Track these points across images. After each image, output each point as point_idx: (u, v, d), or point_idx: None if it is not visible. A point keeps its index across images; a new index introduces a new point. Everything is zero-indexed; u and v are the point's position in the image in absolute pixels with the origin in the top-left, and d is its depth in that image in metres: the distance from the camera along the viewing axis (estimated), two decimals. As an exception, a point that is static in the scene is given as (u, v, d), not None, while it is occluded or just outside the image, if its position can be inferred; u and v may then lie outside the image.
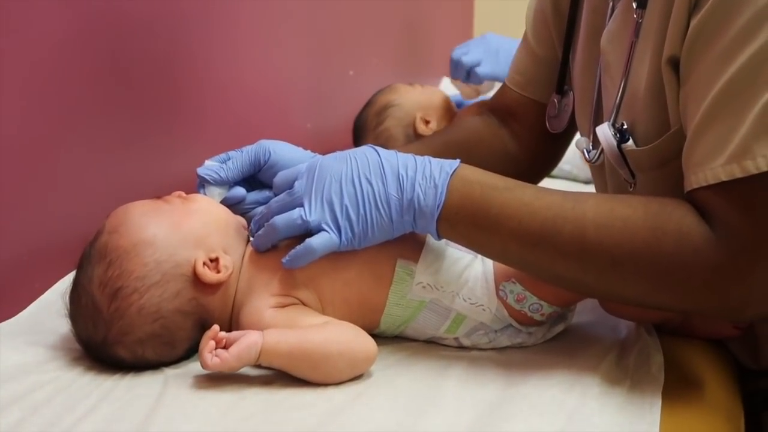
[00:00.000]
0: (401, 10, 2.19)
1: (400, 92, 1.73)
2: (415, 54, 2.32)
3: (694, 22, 0.76)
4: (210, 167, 0.96)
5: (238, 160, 0.96)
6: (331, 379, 0.82)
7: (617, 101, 0.88)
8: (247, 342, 0.80)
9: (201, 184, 0.96)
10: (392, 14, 2.13)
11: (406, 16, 2.23)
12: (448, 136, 1.20)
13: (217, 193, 0.96)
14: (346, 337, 0.83)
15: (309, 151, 1.00)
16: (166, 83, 1.22)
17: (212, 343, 0.80)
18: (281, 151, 0.97)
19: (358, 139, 1.74)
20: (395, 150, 0.87)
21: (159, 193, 0.94)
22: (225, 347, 0.80)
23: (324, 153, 1.02)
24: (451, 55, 1.79)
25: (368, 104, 1.74)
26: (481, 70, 1.77)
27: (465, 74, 1.79)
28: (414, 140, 1.66)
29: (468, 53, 1.74)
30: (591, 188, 1.11)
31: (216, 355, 0.79)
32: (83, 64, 1.04)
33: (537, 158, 1.17)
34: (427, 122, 1.68)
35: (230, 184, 0.97)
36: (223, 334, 0.81)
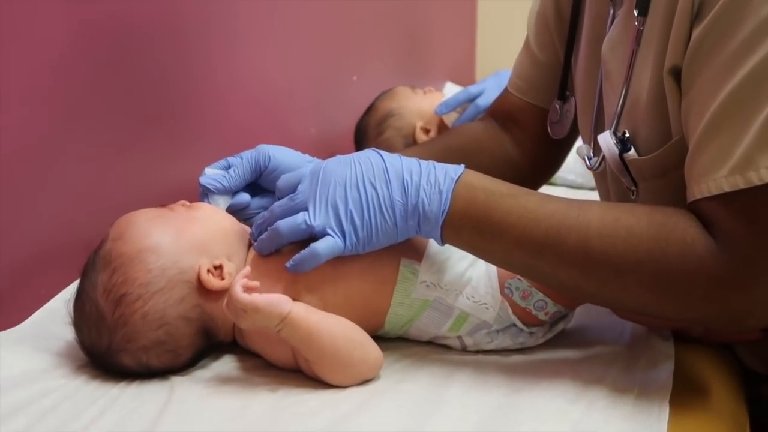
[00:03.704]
0: (404, 15, 2.19)
1: (400, 99, 1.72)
2: (419, 59, 2.32)
3: (696, 33, 0.76)
4: (212, 176, 0.96)
5: (239, 167, 0.96)
6: (341, 369, 0.83)
7: (618, 109, 0.87)
8: (279, 298, 0.81)
9: (204, 194, 0.96)
10: (395, 19, 2.13)
11: (409, 21, 2.23)
12: (449, 141, 1.19)
13: (221, 201, 0.96)
14: (365, 336, 0.85)
15: (308, 155, 1.00)
16: (168, 88, 1.22)
17: (245, 280, 0.80)
18: (281, 155, 0.97)
19: (359, 145, 1.74)
20: (398, 154, 0.87)
21: (163, 197, 0.94)
22: None
23: (327, 157, 1.03)
24: (457, 94, 1.68)
25: (369, 110, 1.74)
26: None
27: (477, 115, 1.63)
28: None
29: (483, 94, 1.64)
30: (596, 195, 1.11)
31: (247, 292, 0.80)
32: (85, 69, 1.05)
33: (538, 164, 1.17)
34: (427, 131, 1.68)
35: (233, 191, 0.97)
36: (254, 283, 0.81)
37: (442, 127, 1.68)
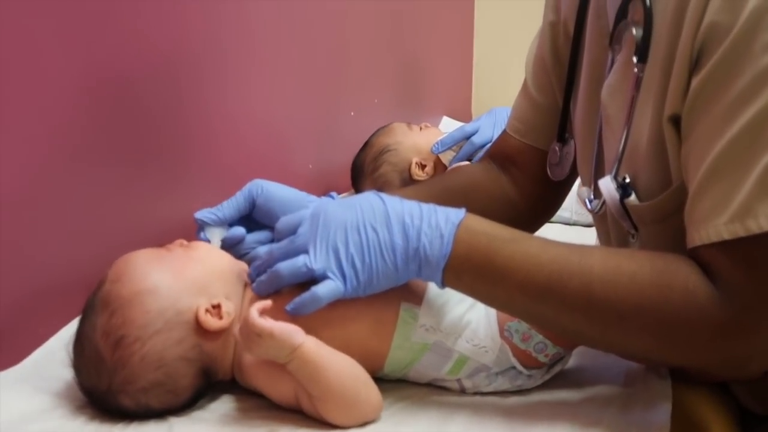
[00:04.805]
0: (401, 50, 2.21)
1: (396, 135, 1.74)
2: (416, 93, 2.34)
3: (695, 81, 0.76)
4: (206, 210, 0.98)
5: (232, 200, 0.98)
6: (346, 408, 0.82)
7: (619, 154, 0.88)
8: (293, 328, 0.81)
9: (200, 228, 0.98)
10: (392, 54, 2.15)
11: (406, 56, 2.25)
12: (447, 182, 1.20)
13: (216, 233, 0.97)
14: (368, 376, 0.85)
15: (303, 192, 1.01)
16: (166, 129, 1.23)
17: (261, 304, 0.81)
18: (274, 187, 0.99)
19: (356, 181, 1.75)
20: (398, 196, 0.88)
21: (161, 236, 0.95)
22: None
23: (326, 192, 1.04)
24: (453, 132, 1.70)
25: (366, 146, 1.75)
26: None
27: (474, 152, 1.67)
28: (410, 184, 1.67)
29: (478, 131, 1.66)
30: (592, 231, 1.12)
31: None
32: (85, 112, 1.05)
33: (537, 204, 1.18)
34: (423, 166, 1.69)
35: (228, 223, 0.99)
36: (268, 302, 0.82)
37: (437, 163, 1.70)
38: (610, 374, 0.95)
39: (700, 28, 0.75)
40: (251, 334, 0.80)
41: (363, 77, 1.94)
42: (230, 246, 0.98)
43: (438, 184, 1.20)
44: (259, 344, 0.80)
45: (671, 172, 0.82)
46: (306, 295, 0.83)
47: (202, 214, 0.97)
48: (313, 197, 1.02)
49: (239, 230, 0.98)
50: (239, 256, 0.98)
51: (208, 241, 0.98)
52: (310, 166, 1.68)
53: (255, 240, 1.00)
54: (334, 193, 1.06)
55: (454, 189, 1.16)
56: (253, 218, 1.00)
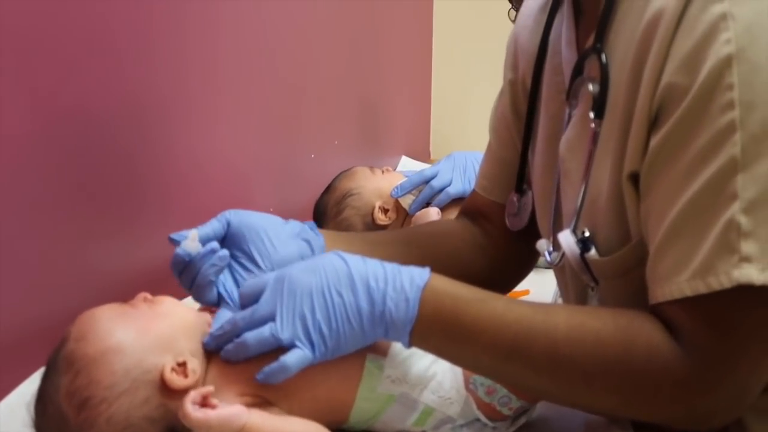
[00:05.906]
0: (360, 91, 2.22)
1: (359, 179, 1.74)
2: (375, 134, 2.35)
3: (654, 140, 0.77)
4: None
5: (207, 223, 0.98)
6: None
7: (577, 208, 0.88)
8: (233, 411, 0.81)
9: (176, 262, 0.96)
10: (351, 96, 2.16)
11: (364, 97, 2.26)
12: (417, 228, 1.21)
13: (192, 246, 0.95)
14: None
15: (276, 217, 1.01)
16: (128, 175, 1.22)
17: (198, 397, 0.80)
18: (246, 213, 1.01)
19: (318, 225, 1.75)
20: (367, 244, 0.88)
21: (124, 283, 0.94)
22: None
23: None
24: (412, 177, 1.71)
25: (328, 190, 1.76)
26: (452, 189, 1.68)
27: (433, 196, 1.69)
28: (373, 228, 1.68)
29: (437, 175, 1.69)
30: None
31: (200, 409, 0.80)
32: (48, 158, 1.05)
33: (511, 257, 1.16)
34: (386, 210, 1.70)
35: (202, 241, 0.97)
36: (209, 388, 0.82)
37: (400, 207, 1.71)
38: (572, 425, 0.96)
39: (658, 87, 0.76)
40: (191, 423, 0.80)
41: (322, 119, 1.95)
42: (203, 257, 0.95)
43: (409, 233, 1.20)
44: (201, 431, 0.80)
45: (630, 227, 0.83)
46: (275, 365, 0.83)
47: (177, 234, 0.96)
48: (288, 222, 1.03)
49: (214, 244, 0.96)
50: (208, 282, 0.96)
51: (188, 255, 0.95)
52: (271, 210, 1.68)
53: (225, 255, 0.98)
54: (312, 222, 1.06)
55: (423, 234, 1.17)
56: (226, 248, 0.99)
